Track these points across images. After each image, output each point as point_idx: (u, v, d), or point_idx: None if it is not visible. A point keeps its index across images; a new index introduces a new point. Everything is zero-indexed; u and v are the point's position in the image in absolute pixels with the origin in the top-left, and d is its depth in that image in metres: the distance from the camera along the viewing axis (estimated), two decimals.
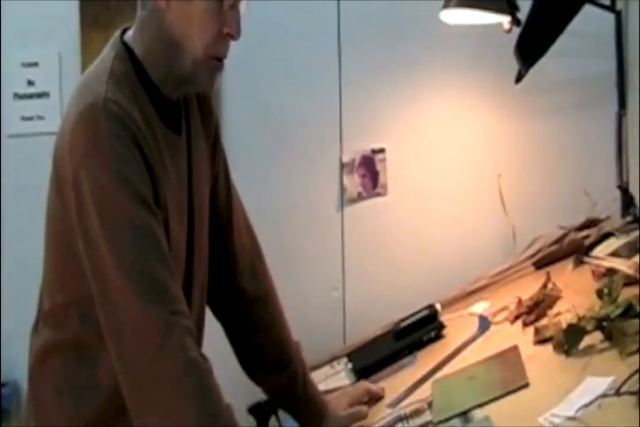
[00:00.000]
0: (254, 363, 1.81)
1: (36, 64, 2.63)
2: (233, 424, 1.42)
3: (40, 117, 2.64)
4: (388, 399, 1.84)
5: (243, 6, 1.54)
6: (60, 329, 1.54)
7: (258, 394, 1.89)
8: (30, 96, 2.64)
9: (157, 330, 1.37)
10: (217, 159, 1.73)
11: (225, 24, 1.51)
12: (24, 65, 2.62)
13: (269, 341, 1.80)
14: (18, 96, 2.64)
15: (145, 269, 1.39)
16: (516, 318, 1.94)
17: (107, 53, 1.54)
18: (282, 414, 1.94)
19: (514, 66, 2.19)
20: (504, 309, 2.02)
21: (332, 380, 2.06)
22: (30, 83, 2.64)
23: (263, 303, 1.80)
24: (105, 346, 1.42)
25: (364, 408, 1.84)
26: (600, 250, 2.09)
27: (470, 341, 1.96)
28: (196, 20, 1.48)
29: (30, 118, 2.64)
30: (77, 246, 1.43)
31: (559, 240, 2.24)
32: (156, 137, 1.49)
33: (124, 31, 1.57)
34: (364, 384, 1.92)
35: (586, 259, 2.09)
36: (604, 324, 1.60)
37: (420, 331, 2.07)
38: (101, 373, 1.50)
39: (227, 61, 2.55)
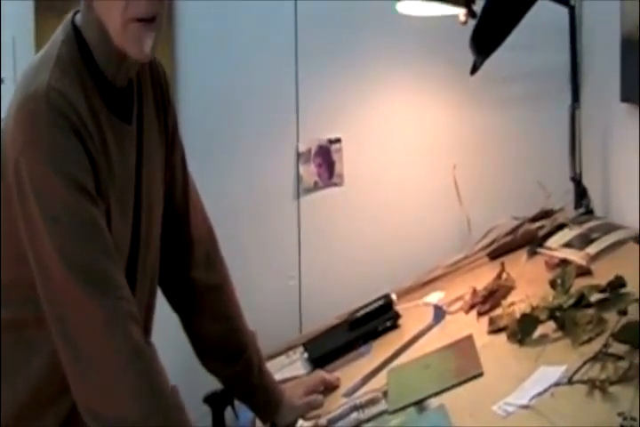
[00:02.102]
0: (209, 352, 1.81)
1: None
2: (178, 407, 1.42)
3: None
4: (343, 389, 1.85)
5: None
6: None
7: (214, 384, 1.89)
8: None
9: (101, 318, 1.38)
10: (174, 150, 1.71)
11: None
12: None
13: (224, 329, 1.79)
14: None
15: (86, 258, 1.39)
16: (471, 307, 1.95)
17: (56, 37, 1.52)
18: (237, 404, 1.94)
19: (469, 57, 2.20)
20: (459, 298, 2.03)
21: (288, 369, 2.06)
22: None
23: (218, 292, 1.80)
24: (44, 330, 1.42)
25: (319, 397, 1.84)
26: (554, 241, 2.11)
27: (425, 330, 1.97)
28: None
29: None
30: (19, 230, 1.42)
31: (513, 231, 2.26)
32: (100, 127, 1.47)
33: (76, 14, 1.53)
34: (320, 374, 1.93)
35: (539, 250, 2.12)
36: (557, 314, 1.63)
37: (375, 321, 2.08)
38: (38, 356, 1.49)
39: (182, 51, 2.54)
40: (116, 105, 1.52)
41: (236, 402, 1.94)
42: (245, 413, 1.90)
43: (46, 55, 1.49)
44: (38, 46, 2.44)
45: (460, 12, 2.24)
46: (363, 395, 1.75)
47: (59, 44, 1.49)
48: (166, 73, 1.71)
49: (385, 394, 1.70)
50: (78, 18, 1.52)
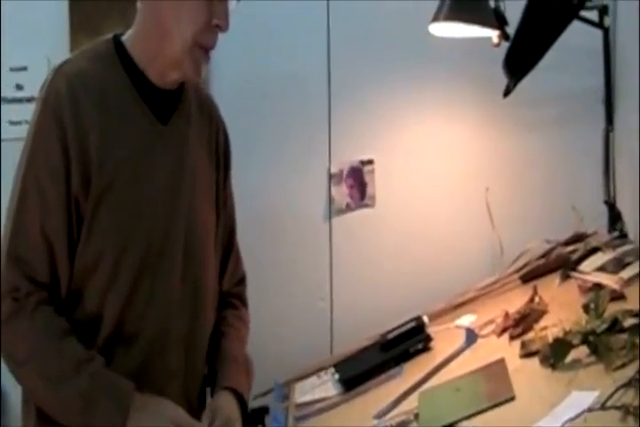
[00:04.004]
0: None
1: (24, 68, 2.61)
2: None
3: (28, 122, 2.62)
4: (374, 411, 1.83)
5: (232, 4, 1.61)
6: None
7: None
8: (19, 100, 2.62)
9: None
10: (226, 172, 1.85)
11: (214, 15, 1.58)
12: (13, 69, 2.61)
13: None
14: (6, 100, 2.63)
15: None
16: (503, 331, 1.94)
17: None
18: (268, 422, 1.94)
19: (502, 80, 2.20)
20: (491, 322, 2.02)
21: (319, 390, 2.06)
22: (19, 87, 2.62)
23: None
24: None
25: None
26: (587, 265, 2.10)
27: (457, 353, 1.96)
28: (186, 7, 1.57)
29: (18, 123, 2.62)
30: None
31: (546, 254, 2.24)
32: (123, 114, 1.58)
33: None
34: None
35: (572, 273, 2.10)
36: (590, 338, 1.61)
37: (406, 343, 2.08)
38: None
39: (217, 72, 2.57)
40: (154, 103, 1.63)
41: (267, 421, 1.94)
42: None
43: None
44: None
45: (493, 34, 2.24)
46: (394, 417, 1.74)
47: (95, 42, 1.64)
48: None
49: (416, 417, 1.69)
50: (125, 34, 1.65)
